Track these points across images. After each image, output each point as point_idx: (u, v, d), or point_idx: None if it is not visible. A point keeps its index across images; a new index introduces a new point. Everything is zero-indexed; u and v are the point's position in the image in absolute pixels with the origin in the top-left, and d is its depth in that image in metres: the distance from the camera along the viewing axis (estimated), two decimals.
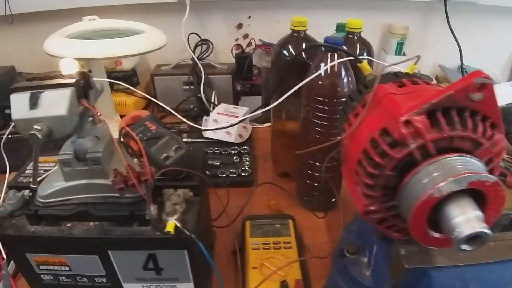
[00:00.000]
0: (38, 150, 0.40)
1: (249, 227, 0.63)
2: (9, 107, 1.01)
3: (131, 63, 0.97)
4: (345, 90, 0.60)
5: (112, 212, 0.47)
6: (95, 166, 0.47)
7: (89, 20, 0.66)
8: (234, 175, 0.77)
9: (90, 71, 0.40)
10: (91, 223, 0.48)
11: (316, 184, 0.69)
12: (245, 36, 1.06)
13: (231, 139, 0.86)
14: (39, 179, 0.55)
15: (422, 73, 1.08)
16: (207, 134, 0.87)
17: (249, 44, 1.03)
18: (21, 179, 0.57)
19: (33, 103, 0.39)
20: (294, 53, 0.66)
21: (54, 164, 0.59)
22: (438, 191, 0.31)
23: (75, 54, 0.48)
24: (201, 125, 0.91)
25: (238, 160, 0.81)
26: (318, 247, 0.64)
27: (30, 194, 0.52)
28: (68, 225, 0.49)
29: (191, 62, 0.99)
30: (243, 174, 0.77)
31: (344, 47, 0.60)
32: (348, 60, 0.58)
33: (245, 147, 0.85)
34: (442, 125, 0.33)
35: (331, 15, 0.99)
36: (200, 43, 1.03)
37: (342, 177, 0.70)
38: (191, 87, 0.96)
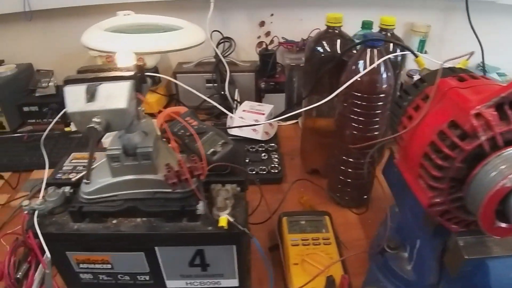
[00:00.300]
0: (95, 144, 0.39)
1: (286, 224, 0.62)
2: (27, 105, 1.02)
3: (154, 60, 0.97)
4: (384, 86, 0.59)
5: (162, 207, 0.47)
6: (145, 161, 0.46)
7: (124, 15, 0.66)
8: (264, 172, 0.77)
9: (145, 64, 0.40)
10: (138, 219, 0.48)
11: (349, 180, 0.69)
12: (267, 33, 1.06)
13: (258, 136, 0.86)
14: (79, 175, 0.55)
15: None
16: (232, 132, 0.87)
17: (271, 41, 1.03)
18: (59, 175, 0.56)
19: (90, 95, 0.38)
20: (328, 49, 0.66)
21: (93, 159, 0.58)
22: (510, 181, 0.31)
23: (119, 49, 0.47)
24: (225, 123, 0.91)
25: (266, 157, 0.81)
26: (354, 243, 0.64)
27: (71, 190, 0.51)
28: (114, 221, 0.48)
29: (213, 59, 0.99)
30: (272, 171, 0.77)
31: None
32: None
33: (272, 144, 0.85)
34: (510, 118, 0.33)
35: (352, 13, 0.99)
36: (222, 40, 1.03)
37: (375, 173, 0.70)
38: (214, 84, 0.96)
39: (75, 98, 0.38)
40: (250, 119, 0.84)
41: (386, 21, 0.68)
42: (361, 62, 0.60)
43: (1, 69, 1.04)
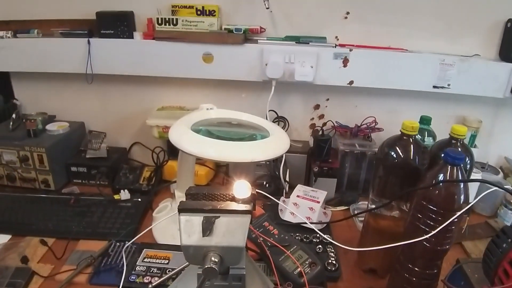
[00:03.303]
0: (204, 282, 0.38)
1: None
2: (76, 165, 1.01)
3: None
4: (462, 203, 0.59)
5: None
6: (236, 283, 0.45)
7: (207, 109, 0.67)
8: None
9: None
10: None
11: None
12: (321, 116, 1.07)
13: (311, 225, 0.84)
14: (156, 282, 0.53)
15: (490, 164, 1.07)
16: (285, 217, 0.85)
17: (324, 124, 1.04)
18: (133, 277, 0.54)
19: (207, 228, 0.38)
20: (402, 155, 0.66)
21: (167, 261, 0.57)
22: None
23: (208, 154, 0.47)
24: (276, 205, 0.90)
25: (321, 250, 0.78)
26: None
27: None
28: None
29: None
30: (329, 268, 0.74)
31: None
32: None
33: (327, 235, 0.82)
34: None
35: (407, 103, 1.01)
36: (276, 120, 1.05)
37: (437, 284, 0.67)
38: (267, 162, 0.96)
39: (190, 230, 0.38)
40: (305, 206, 0.83)
41: (457, 130, 0.69)
42: (440, 176, 0.59)
43: (54, 127, 1.06)
